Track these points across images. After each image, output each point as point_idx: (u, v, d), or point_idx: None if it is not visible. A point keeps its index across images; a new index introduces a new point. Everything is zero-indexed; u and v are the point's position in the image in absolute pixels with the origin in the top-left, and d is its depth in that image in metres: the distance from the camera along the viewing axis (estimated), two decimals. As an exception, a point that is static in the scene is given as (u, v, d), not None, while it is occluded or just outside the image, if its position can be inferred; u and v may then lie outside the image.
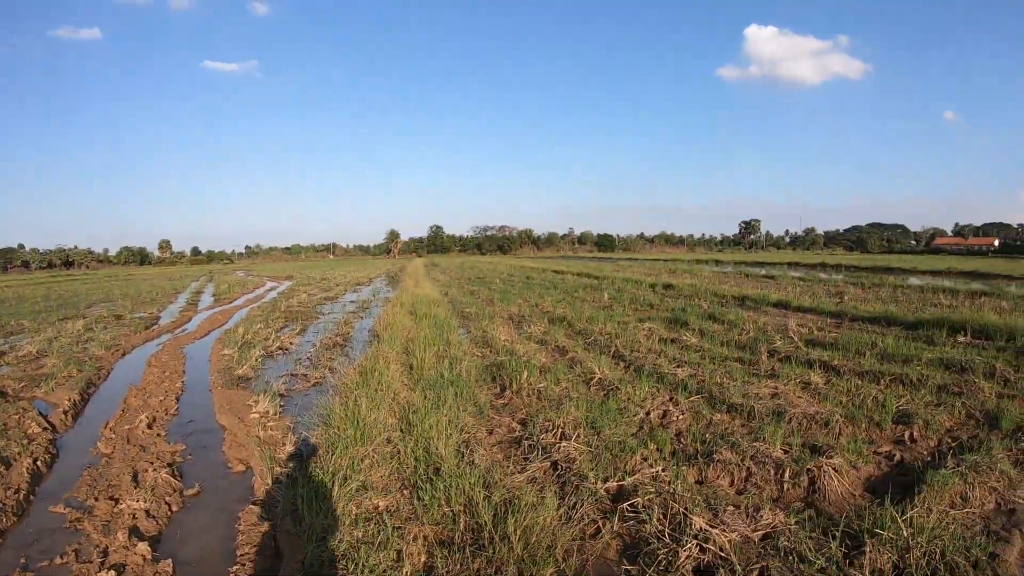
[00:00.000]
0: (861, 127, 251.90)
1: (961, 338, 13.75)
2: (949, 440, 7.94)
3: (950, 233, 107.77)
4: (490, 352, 13.95)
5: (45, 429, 9.68)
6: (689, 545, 5.41)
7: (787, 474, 6.90)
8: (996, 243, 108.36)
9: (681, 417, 8.90)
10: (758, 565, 5.18)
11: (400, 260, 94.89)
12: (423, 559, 5.45)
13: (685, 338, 14.64)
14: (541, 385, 10.48)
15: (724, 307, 20.26)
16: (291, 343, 17.32)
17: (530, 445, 7.99)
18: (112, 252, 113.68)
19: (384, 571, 5.17)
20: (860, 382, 10.35)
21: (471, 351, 13.91)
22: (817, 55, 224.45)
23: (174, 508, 7.15)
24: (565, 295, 26.17)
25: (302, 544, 5.78)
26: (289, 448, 8.44)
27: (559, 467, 7.30)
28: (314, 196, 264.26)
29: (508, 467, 7.36)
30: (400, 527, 5.91)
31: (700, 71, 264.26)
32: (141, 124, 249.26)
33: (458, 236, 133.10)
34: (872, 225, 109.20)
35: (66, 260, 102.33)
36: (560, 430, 8.20)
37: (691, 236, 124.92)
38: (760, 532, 5.66)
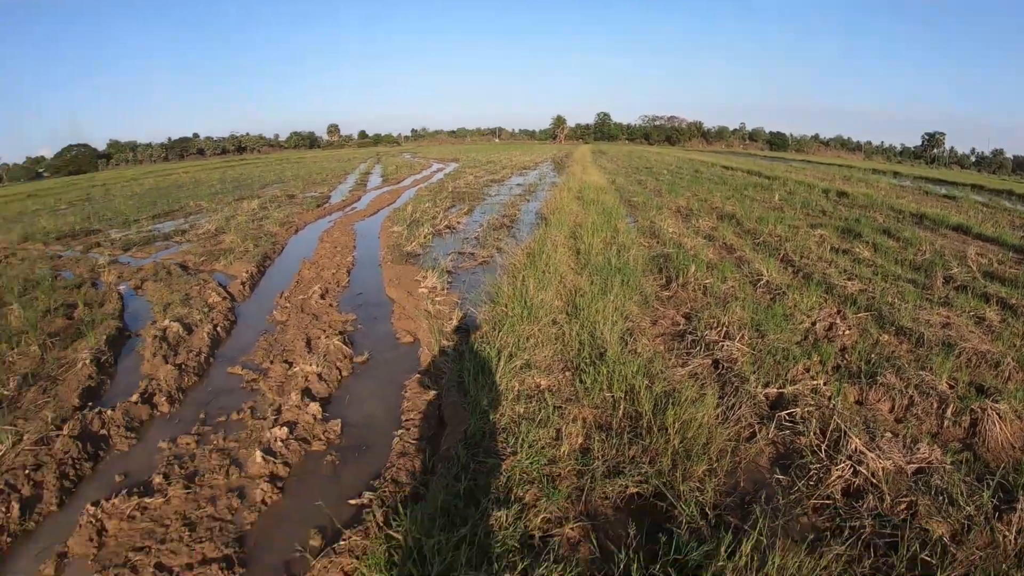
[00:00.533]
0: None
1: None
2: None
3: None
4: (657, 243, 13.53)
5: (224, 298, 10.21)
6: (842, 465, 5.16)
7: (949, 411, 6.30)
8: None
9: (847, 332, 8.36)
10: (907, 499, 4.85)
11: (566, 146, 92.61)
12: (580, 440, 5.46)
13: (857, 250, 13.57)
14: (708, 281, 10.07)
15: (900, 223, 18.47)
16: (458, 222, 17.43)
17: (693, 340, 7.78)
18: (282, 137, 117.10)
19: (543, 447, 5.22)
20: None
21: (638, 240, 13.53)
22: None
23: (344, 373, 7.46)
24: (734, 192, 24.84)
25: (465, 415, 5.90)
26: (455, 322, 8.57)
27: (720, 366, 7.10)
28: (480, 80, 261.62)
29: (670, 360, 7.22)
30: (560, 407, 5.92)
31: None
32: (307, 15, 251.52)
33: (625, 124, 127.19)
34: None
35: (239, 146, 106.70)
36: (725, 329, 7.91)
37: (868, 143, 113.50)
38: (914, 465, 5.26)
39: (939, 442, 5.90)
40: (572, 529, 4.41)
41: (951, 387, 6.87)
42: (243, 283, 11.31)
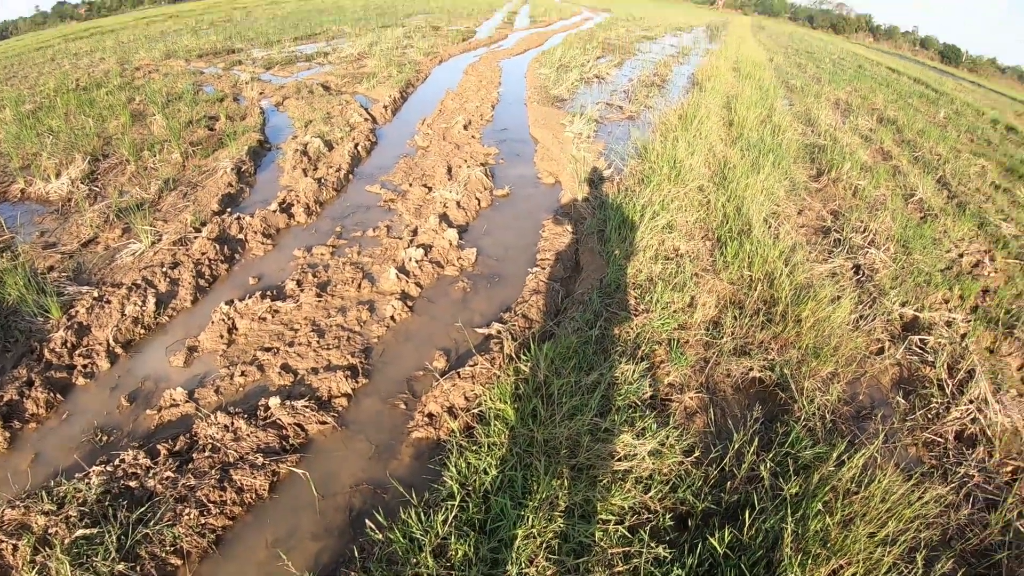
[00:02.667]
0: None
1: None
2: None
3: None
4: (811, 132, 12.29)
5: (365, 120, 9.83)
6: (963, 407, 4.81)
7: None
8: None
9: (993, 275, 7.59)
10: (1015, 462, 4.48)
11: (724, 13, 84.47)
12: (713, 312, 5.18)
13: (1019, 194, 12.26)
14: (860, 183, 9.16)
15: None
16: (607, 74, 16.16)
17: (837, 239, 7.17)
18: None
19: (676, 311, 4.99)
20: None
21: (793, 125, 12.34)
22: None
23: (483, 204, 7.17)
24: (898, 97, 22.43)
25: (602, 263, 5.63)
26: (601, 171, 8.08)
27: (861, 272, 6.53)
28: None
29: (811, 253, 6.71)
30: (697, 275, 5.62)
31: None
32: None
33: (790, 3, 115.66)
34: None
35: None
36: (871, 235, 7.26)
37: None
38: None
39: None
40: (691, 399, 4.27)
41: None
42: (385, 107, 10.94)
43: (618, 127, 11.07)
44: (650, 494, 3.41)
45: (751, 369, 4.63)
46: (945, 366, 5.26)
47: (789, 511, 3.25)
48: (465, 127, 9.84)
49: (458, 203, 6.96)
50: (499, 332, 4.85)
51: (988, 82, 78.21)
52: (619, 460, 3.56)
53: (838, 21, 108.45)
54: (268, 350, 4.61)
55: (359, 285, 5.41)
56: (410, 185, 7.46)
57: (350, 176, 7.87)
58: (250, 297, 5.07)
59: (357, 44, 18.30)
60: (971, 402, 4.86)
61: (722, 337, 4.88)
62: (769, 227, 6.77)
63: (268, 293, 5.20)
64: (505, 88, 13.76)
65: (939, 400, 4.91)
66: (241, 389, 4.26)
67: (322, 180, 7.39)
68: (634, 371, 4.18)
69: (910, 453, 4.41)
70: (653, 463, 3.54)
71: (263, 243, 6.13)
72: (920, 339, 5.55)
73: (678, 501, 3.44)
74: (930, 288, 6.50)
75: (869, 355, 5.27)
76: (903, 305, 6.01)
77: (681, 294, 5.19)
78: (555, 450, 3.56)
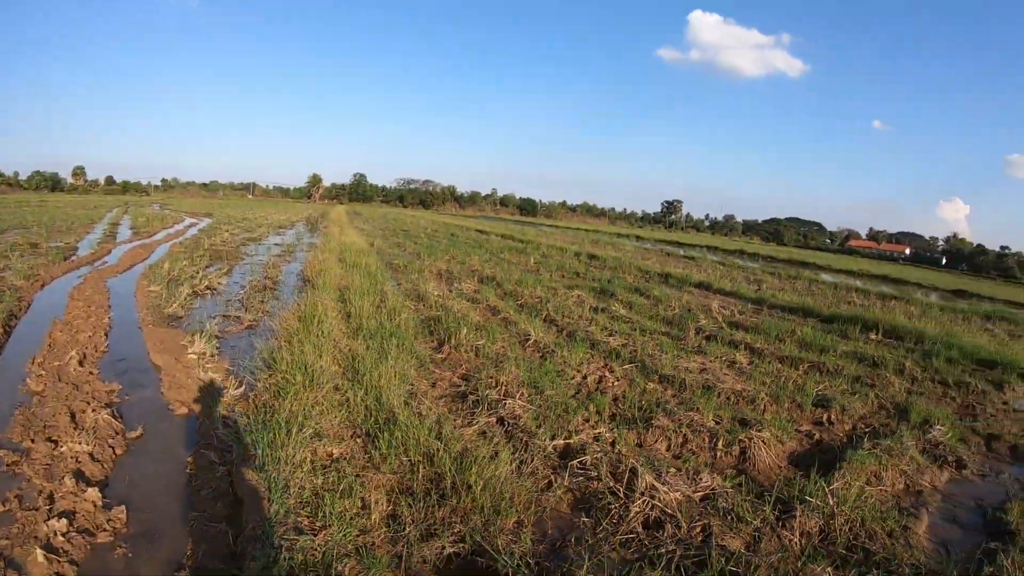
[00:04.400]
0: (791, 124, 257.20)
1: (873, 336, 14.66)
2: (863, 426, 8.62)
3: (864, 236, 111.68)
4: (423, 306, 13.96)
5: None
6: (639, 501, 5.75)
7: (720, 443, 7.37)
8: (907, 251, 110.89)
9: (617, 384, 9.25)
10: (701, 522, 5.58)
11: (321, 206, 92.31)
12: (387, 507, 5.52)
13: (615, 309, 15.06)
14: (480, 343, 10.60)
15: (648, 283, 20.84)
16: (219, 283, 16.70)
17: (475, 400, 8.16)
18: (23, 176, 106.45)
19: (352, 518, 5.20)
20: (781, 366, 10.98)
21: (406, 304, 13.89)
22: (759, 49, 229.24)
23: (118, 451, 6.79)
24: (492, 256, 26.31)
25: (262, 490, 5.69)
26: (233, 391, 8.25)
27: (506, 423, 7.51)
28: (234, 132, 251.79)
29: (456, 420, 7.50)
30: (360, 475, 5.96)
31: (640, 48, 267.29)
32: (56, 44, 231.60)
33: (381, 186, 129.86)
34: (790, 219, 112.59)
35: None
36: (504, 387, 8.40)
37: (612, 209, 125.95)
38: (700, 493, 6.07)
39: (716, 471, 6.83)
40: None
41: (717, 423, 8.00)
42: None
43: (240, 339, 11.29)
44: None
45: (443, 548, 5.02)
46: (609, 474, 6.22)
47: None
48: (81, 363, 9.12)
49: (91, 455, 6.44)
50: None
51: (563, 221, 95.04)
52: None
53: (426, 197, 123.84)
54: None
55: None
56: (32, 441, 6.69)
57: None
58: None
59: None
60: (643, 493, 5.87)
61: (405, 528, 5.22)
62: (411, 408, 7.38)
63: None
64: (117, 311, 13.11)
65: (616, 505, 5.80)
66: None
67: None
68: None
69: (612, 558, 5.08)
70: None
71: None
72: (579, 462, 6.55)
73: None
74: (570, 415, 7.71)
75: (541, 493, 6.00)
76: (553, 438, 7.02)
77: (352, 499, 5.44)
78: None
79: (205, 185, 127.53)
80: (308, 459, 6.11)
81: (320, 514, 5.25)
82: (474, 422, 7.44)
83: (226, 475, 6.34)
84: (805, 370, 10.85)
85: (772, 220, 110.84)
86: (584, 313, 14.33)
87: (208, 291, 15.67)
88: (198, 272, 17.48)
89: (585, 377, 9.44)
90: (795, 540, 5.44)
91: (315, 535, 4.96)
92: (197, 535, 5.37)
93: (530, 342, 11.16)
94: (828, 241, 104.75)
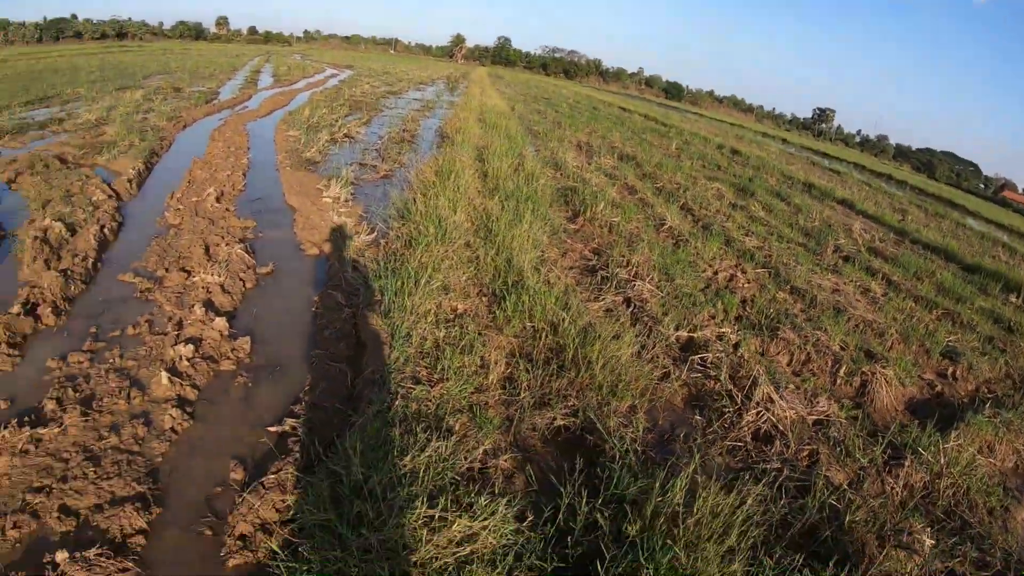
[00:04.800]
0: (965, 50, 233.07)
1: (1014, 298, 13.45)
2: (986, 390, 7.93)
3: (1021, 190, 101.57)
4: (561, 176, 13.77)
5: (110, 197, 9.25)
6: (753, 411, 5.60)
7: (842, 370, 6.99)
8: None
9: (747, 285, 8.93)
10: (809, 447, 5.39)
11: (463, 66, 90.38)
12: (504, 369, 5.55)
13: (753, 209, 14.41)
14: (614, 219, 10.37)
15: (791, 189, 19.74)
16: (357, 132, 16.89)
17: (604, 277, 8.06)
18: (167, 26, 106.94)
19: (469, 376, 5.24)
20: (915, 305, 10.24)
21: (544, 171, 13.65)
22: None
23: (248, 285, 7.04)
24: (633, 135, 25.50)
25: (384, 336, 5.78)
26: (364, 237, 8.36)
27: (632, 304, 7.41)
28: None
29: (583, 294, 7.46)
30: (482, 334, 5.98)
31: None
32: None
33: (525, 52, 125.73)
34: (945, 153, 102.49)
35: (119, 31, 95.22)
36: (634, 268, 8.25)
37: (760, 107, 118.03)
38: (815, 417, 5.84)
39: (834, 398, 6.49)
40: (506, 461, 4.51)
41: (843, 348, 7.57)
42: (130, 180, 10.21)
43: (375, 187, 11.53)
44: (497, 570, 3.53)
45: (554, 419, 5.04)
46: (728, 377, 6.05)
47: (642, 557, 3.58)
48: (218, 199, 9.50)
49: (222, 287, 6.71)
50: (294, 428, 4.77)
51: (708, 111, 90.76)
52: (459, 544, 3.64)
53: (570, 67, 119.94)
54: (39, 490, 3.96)
55: (129, 395, 4.89)
56: (167, 270, 7.03)
57: (99, 264, 7.16)
58: (5, 427, 4.45)
59: (95, 109, 16.68)
60: (758, 404, 5.66)
61: (520, 393, 5.25)
62: (540, 274, 7.33)
63: (26, 419, 4.51)
64: (255, 153, 13.58)
65: (731, 409, 5.64)
66: (17, 546, 3.64)
67: (68, 272, 6.63)
68: (445, 447, 4.32)
69: (718, 463, 5.00)
70: (493, 539, 3.68)
71: (9, 355, 5.31)
72: (700, 357, 6.36)
73: (526, 570, 3.60)
74: (697, 308, 7.47)
75: (658, 381, 5.91)
76: (677, 328, 6.82)
77: (471, 356, 5.48)
78: (394, 552, 3.54)
79: (347, 39, 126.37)
80: (432, 311, 6.16)
81: (439, 367, 5.31)
82: (601, 298, 7.37)
83: (350, 317, 6.48)
84: (938, 316, 10.08)
85: (926, 150, 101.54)
86: (722, 207, 13.79)
87: (346, 139, 15.87)
88: (337, 120, 17.69)
89: (716, 273, 9.15)
90: (897, 490, 5.16)
91: (431, 387, 5.02)
92: (317, 373, 5.51)
93: (665, 227, 10.87)
94: (982, 186, 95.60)
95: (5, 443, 4.24)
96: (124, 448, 4.43)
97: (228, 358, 5.62)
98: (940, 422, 6.39)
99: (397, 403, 4.76)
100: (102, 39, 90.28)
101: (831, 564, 4.01)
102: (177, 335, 5.77)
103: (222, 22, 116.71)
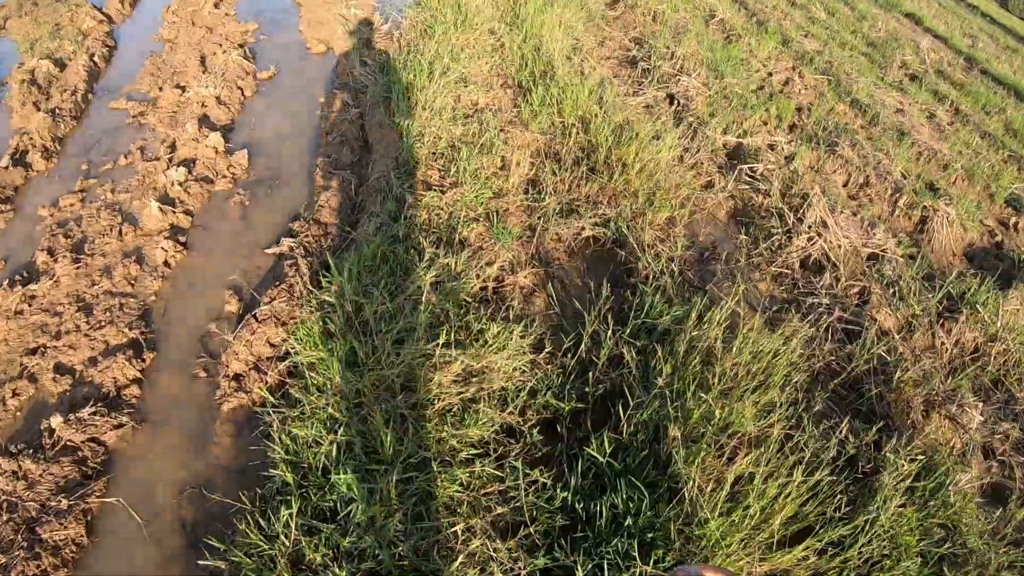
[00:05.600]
0: None
1: None
2: None
3: None
4: None
5: (100, 22, 8.14)
6: (804, 236, 4.81)
7: (902, 201, 6.09)
8: None
9: (804, 92, 7.82)
10: (860, 283, 4.68)
11: None
12: (528, 171, 4.74)
13: (814, 10, 12.80)
14: (660, 7, 8.95)
15: (851, -8, 17.86)
16: None
17: (645, 69, 6.94)
18: None
19: (487, 178, 4.49)
20: (981, 141, 9.11)
21: None
22: None
23: (247, 93, 6.29)
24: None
25: (394, 137, 5.00)
26: (377, 27, 7.35)
27: (676, 102, 6.39)
28: None
29: (620, 88, 6.39)
30: (504, 130, 5.11)
31: None
32: None
33: None
34: None
35: None
36: (679, 61, 7.09)
37: None
38: (869, 250, 5.06)
39: (891, 231, 5.64)
40: (526, 277, 3.87)
41: (904, 176, 6.63)
42: (121, 0, 9.05)
43: None
44: (508, 409, 3.05)
45: (582, 229, 4.28)
46: (779, 193, 5.19)
47: (670, 404, 3.01)
48: (216, 4, 8.46)
49: (218, 99, 6.03)
50: (292, 249, 4.21)
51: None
52: (464, 382, 3.11)
53: None
54: (35, 351, 3.74)
55: (120, 232, 4.47)
56: (160, 89, 6.35)
57: (89, 96, 6.49)
58: (-1, 288, 4.00)
59: None
60: (810, 228, 4.89)
61: (544, 197, 4.45)
62: (573, 64, 6.30)
63: (18, 277, 4.16)
64: None
65: (780, 230, 4.85)
66: (18, 414, 3.48)
67: (57, 111, 6.05)
68: (456, 263, 3.64)
69: (761, 290, 4.27)
70: (504, 372, 3.14)
71: (2, 212, 4.83)
72: (749, 168, 5.47)
73: (540, 408, 3.13)
74: (747, 112, 6.49)
75: (701, 191, 5.07)
76: (725, 132, 5.86)
77: (490, 156, 4.67)
78: (390, 391, 3.07)
79: None
80: (449, 106, 5.26)
81: (453, 169, 4.53)
82: (640, 93, 6.33)
83: (357, 119, 5.69)
84: (1004, 159, 8.93)
85: None
86: (780, 4, 12.17)
87: None
88: None
89: (771, 75, 7.95)
90: (948, 347, 4.42)
91: (444, 192, 4.28)
92: (318, 184, 4.90)
93: (715, 20, 9.43)
94: None
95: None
96: (117, 291, 4.12)
97: (224, 176, 5.08)
98: (999, 278, 5.50)
99: (403, 212, 4.06)
100: None
101: (874, 429, 3.41)
102: (170, 158, 5.21)
103: None
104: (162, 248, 4.30)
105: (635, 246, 4.11)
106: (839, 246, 4.82)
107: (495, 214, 4.20)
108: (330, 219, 4.47)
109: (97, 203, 4.79)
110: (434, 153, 4.74)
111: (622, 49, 7.61)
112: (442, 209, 4.15)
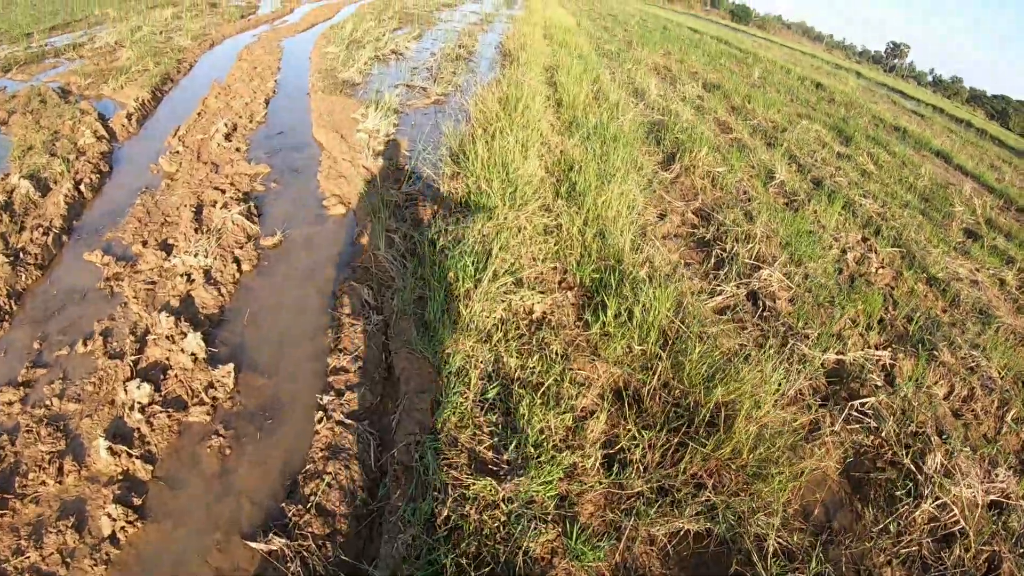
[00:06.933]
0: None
1: None
2: None
3: None
4: (644, 106, 11.31)
5: (100, 138, 7.34)
6: (929, 500, 3.78)
7: (1010, 414, 5.08)
8: None
9: (882, 271, 6.95)
10: (988, 547, 3.66)
11: None
12: (604, 426, 3.60)
13: (861, 161, 12.06)
14: (718, 168, 8.19)
15: (886, 135, 17.27)
16: (406, 48, 14.45)
17: (719, 257, 6.04)
18: None
19: (556, 447, 3.38)
20: None
21: (626, 99, 11.21)
22: None
23: (245, 267, 5.16)
24: (710, 59, 22.64)
25: (428, 369, 3.89)
26: (409, 190, 6.35)
27: (760, 302, 5.47)
28: None
29: (693, 280, 5.48)
30: (567, 355, 4.04)
31: None
32: None
33: None
34: (1022, 103, 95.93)
35: None
36: (755, 246, 6.18)
37: (831, 36, 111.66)
38: (992, 497, 4.04)
39: (1002, 455, 4.61)
40: None
41: (1001, 375, 5.65)
42: (130, 115, 8.26)
43: (424, 116, 9.30)
44: None
45: (682, 528, 3.15)
46: (894, 433, 4.19)
47: None
48: (228, 137, 7.56)
49: (208, 273, 4.92)
50: (283, 551, 2.94)
51: (776, 37, 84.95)
52: None
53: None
54: None
55: (61, 469, 3.26)
56: (144, 244, 5.17)
57: (64, 239, 5.37)
58: None
59: (117, 31, 14.67)
60: (928, 479, 3.90)
61: (631, 475, 3.32)
62: (642, 253, 5.37)
63: None
64: (285, 75, 11.46)
65: (902, 492, 3.81)
66: None
67: (24, 254, 4.93)
68: None
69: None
70: None
71: None
72: (860, 403, 4.44)
73: None
74: (836, 309, 5.57)
75: (805, 437, 4.03)
76: (824, 348, 4.89)
77: (558, 412, 3.54)
78: None
79: None
80: (498, 319, 4.19)
81: (509, 434, 3.41)
82: (718, 290, 5.41)
83: (381, 330, 4.50)
84: None
85: (1002, 97, 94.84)
86: (827, 156, 11.45)
87: (393, 55, 13.48)
88: (384, 34, 15.17)
89: (844, 252, 7.09)
90: None
91: (499, 479, 3.15)
92: (323, 439, 3.59)
93: (775, 183, 8.67)
94: None
95: None
96: (45, 573, 2.84)
97: (202, 403, 3.81)
98: None
99: (443, 512, 2.94)
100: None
101: None
102: (136, 360, 4.01)
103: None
104: (109, 515, 3.03)
105: (752, 548, 3.06)
106: (961, 498, 3.80)
107: (567, 506, 3.09)
108: (339, 506, 3.18)
109: (40, 410, 3.62)
110: (482, 401, 3.62)
111: (686, 225, 6.73)
112: (499, 508, 2.99)
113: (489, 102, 8.47)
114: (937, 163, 16.49)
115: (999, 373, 5.64)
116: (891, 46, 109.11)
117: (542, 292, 4.65)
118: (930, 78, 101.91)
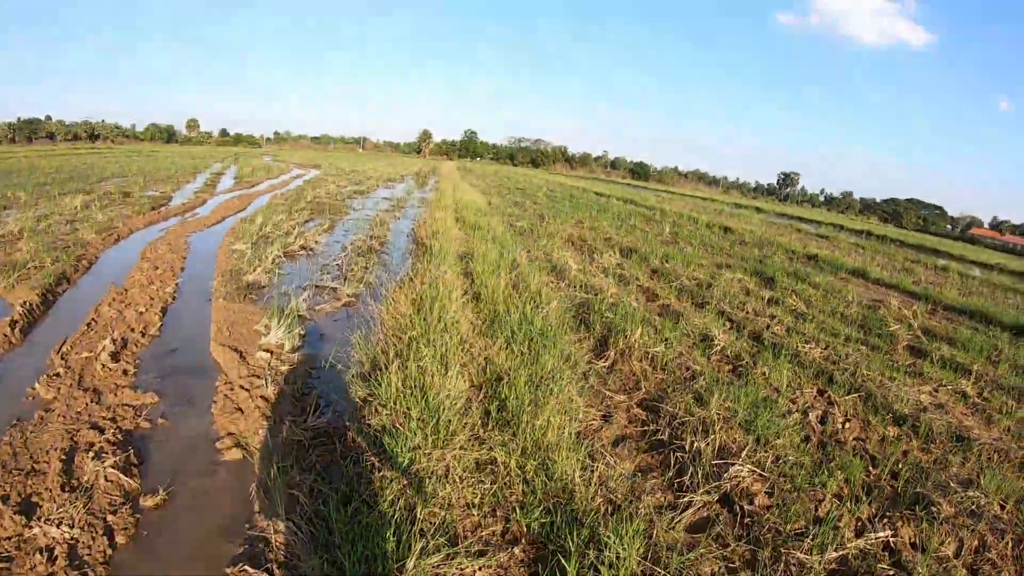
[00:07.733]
0: (912, 99, 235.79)
1: None
2: None
3: (986, 225, 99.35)
4: (564, 285, 11.07)
5: None
6: None
7: None
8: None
9: (848, 426, 6.41)
10: None
11: (431, 160, 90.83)
12: None
13: (790, 302, 11.85)
14: (655, 348, 7.62)
15: (803, 266, 17.53)
16: (316, 241, 14.31)
17: (678, 457, 5.31)
18: (140, 128, 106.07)
19: None
20: (1012, 402, 7.77)
21: (547, 282, 10.99)
22: (881, 15, 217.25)
23: (118, 539, 4.10)
24: (621, 222, 23.20)
25: None
26: (312, 421, 5.57)
27: (733, 505, 4.74)
28: (346, 88, 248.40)
29: (655, 494, 4.77)
30: None
31: (758, 11, 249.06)
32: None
33: (491, 144, 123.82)
34: (910, 201, 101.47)
35: (92, 133, 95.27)
36: (716, 436, 5.51)
37: (725, 178, 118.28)
38: None
39: None
40: None
41: (1002, 506, 5.21)
42: (13, 323, 7.37)
43: (334, 323, 8.71)
44: None
45: None
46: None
47: None
48: (115, 356, 6.60)
49: (72, 548, 3.87)
50: None
51: (676, 188, 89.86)
52: None
53: (536, 156, 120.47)
54: None
55: None
56: (3, 501, 4.17)
57: None
58: None
59: (23, 219, 13.77)
60: None
61: None
62: (592, 477, 4.66)
63: None
64: (189, 274, 10.80)
65: None
66: None
67: None
68: None
69: None
70: None
71: None
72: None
73: None
74: (816, 488, 5.01)
75: None
76: (823, 551, 4.21)
77: None
78: None
79: (316, 139, 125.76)
80: None
81: None
82: (683, 500, 4.68)
83: None
84: None
85: (891, 200, 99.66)
86: (757, 306, 11.19)
87: (303, 251, 13.23)
88: (294, 228, 15.13)
89: (805, 413, 6.54)
90: None
91: None
92: None
93: (715, 350, 8.20)
94: (949, 227, 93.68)
95: None
96: None
97: None
98: None
99: None
100: (74, 140, 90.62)
101: None
102: None
103: (193, 124, 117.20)
104: None
105: None
106: None
107: None
108: None
109: None
110: None
111: (634, 423, 6.04)
112: None
113: (402, 304, 7.94)
114: (857, 282, 16.79)
115: (1000, 505, 5.20)
116: (782, 176, 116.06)
117: (482, 553, 3.84)
118: (822, 198, 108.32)
